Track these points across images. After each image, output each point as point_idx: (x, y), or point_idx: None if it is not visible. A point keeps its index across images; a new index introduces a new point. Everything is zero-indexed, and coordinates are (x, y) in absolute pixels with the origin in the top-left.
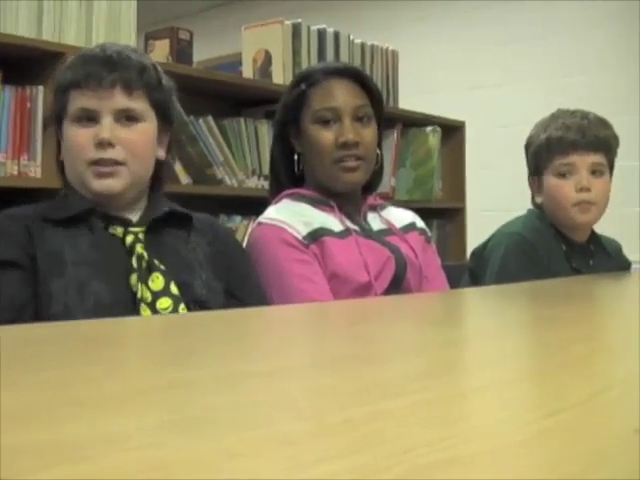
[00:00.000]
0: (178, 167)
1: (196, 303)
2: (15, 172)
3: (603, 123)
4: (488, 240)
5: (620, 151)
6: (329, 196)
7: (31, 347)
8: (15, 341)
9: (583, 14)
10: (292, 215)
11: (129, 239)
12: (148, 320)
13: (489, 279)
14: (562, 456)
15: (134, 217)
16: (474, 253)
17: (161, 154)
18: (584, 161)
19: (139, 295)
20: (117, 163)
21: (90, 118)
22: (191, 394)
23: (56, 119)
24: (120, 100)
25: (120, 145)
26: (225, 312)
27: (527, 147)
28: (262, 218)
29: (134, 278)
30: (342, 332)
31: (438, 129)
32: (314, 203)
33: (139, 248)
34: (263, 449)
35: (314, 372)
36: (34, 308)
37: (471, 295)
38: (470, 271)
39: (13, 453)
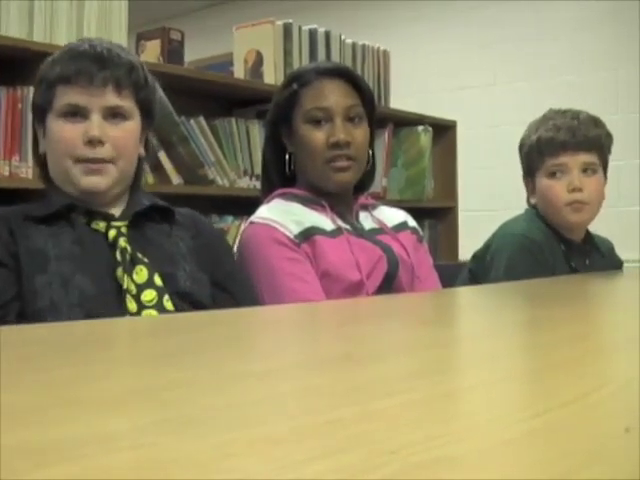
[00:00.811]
0: (169, 167)
1: (180, 294)
2: (6, 173)
3: (594, 122)
4: (489, 241)
5: (614, 150)
6: (321, 196)
7: (29, 347)
8: (13, 342)
9: (575, 14)
10: (284, 214)
11: (112, 233)
12: (143, 320)
13: (494, 281)
14: (552, 455)
15: (116, 212)
16: (475, 255)
17: (142, 151)
18: (575, 161)
19: (125, 287)
20: (105, 161)
21: (77, 114)
22: (184, 394)
23: (38, 113)
24: (110, 98)
25: (109, 143)
26: (218, 312)
27: (520, 148)
28: (254, 217)
29: (120, 271)
30: (333, 332)
31: (429, 129)
32: (306, 202)
33: (122, 242)
34: (254, 449)
35: (305, 372)
36: (19, 305)
37: (463, 294)
38: (470, 272)
39: (10, 453)
